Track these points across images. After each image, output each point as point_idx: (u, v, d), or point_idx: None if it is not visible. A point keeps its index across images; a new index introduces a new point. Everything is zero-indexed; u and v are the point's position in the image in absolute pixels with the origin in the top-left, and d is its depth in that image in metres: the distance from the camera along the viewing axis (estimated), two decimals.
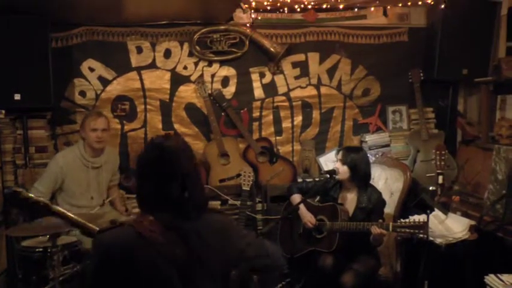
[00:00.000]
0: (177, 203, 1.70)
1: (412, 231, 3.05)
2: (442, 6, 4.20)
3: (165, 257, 1.63)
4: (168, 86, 4.36)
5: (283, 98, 4.55)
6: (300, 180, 4.25)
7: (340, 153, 3.53)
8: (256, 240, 1.90)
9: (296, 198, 3.70)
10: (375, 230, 3.17)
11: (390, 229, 3.15)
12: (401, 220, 3.22)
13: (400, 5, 4.51)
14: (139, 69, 4.30)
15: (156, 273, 1.62)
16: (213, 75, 4.40)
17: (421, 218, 3.11)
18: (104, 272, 1.63)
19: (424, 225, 3.02)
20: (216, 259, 1.72)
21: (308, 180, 4.11)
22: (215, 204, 4.24)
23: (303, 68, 4.53)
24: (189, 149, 1.81)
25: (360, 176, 3.50)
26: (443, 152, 3.84)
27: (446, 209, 3.55)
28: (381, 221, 3.29)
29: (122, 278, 1.61)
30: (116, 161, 3.94)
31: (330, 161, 4.41)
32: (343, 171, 3.48)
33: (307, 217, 3.53)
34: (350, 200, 3.53)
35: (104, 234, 1.69)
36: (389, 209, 3.84)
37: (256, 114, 4.52)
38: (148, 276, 1.61)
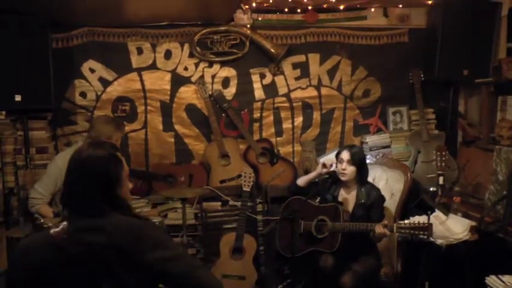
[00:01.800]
0: (91, 207, 1.71)
1: (416, 232, 3.05)
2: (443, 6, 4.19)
3: (66, 255, 1.64)
4: (168, 87, 4.36)
5: (284, 99, 4.55)
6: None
7: (346, 153, 3.49)
8: (185, 257, 1.78)
9: (302, 177, 3.81)
10: (379, 229, 3.18)
11: (394, 230, 3.15)
12: (405, 221, 3.21)
13: (400, 5, 4.52)
14: (139, 70, 4.30)
15: (58, 272, 1.64)
16: (213, 76, 4.40)
17: (424, 219, 3.11)
18: (16, 275, 1.69)
19: (429, 227, 3.02)
20: (121, 261, 1.65)
21: None
22: (215, 205, 4.24)
23: (304, 69, 4.53)
24: (111, 156, 1.80)
25: (365, 173, 3.52)
26: (443, 153, 3.85)
27: (447, 209, 3.55)
28: (386, 222, 3.29)
29: (32, 280, 1.66)
30: None
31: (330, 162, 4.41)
32: (351, 171, 3.47)
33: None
34: (350, 197, 3.54)
35: (22, 241, 1.76)
36: (390, 209, 3.84)
37: (256, 115, 4.52)
38: (53, 275, 1.65)
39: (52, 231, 1.66)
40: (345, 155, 3.49)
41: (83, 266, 1.64)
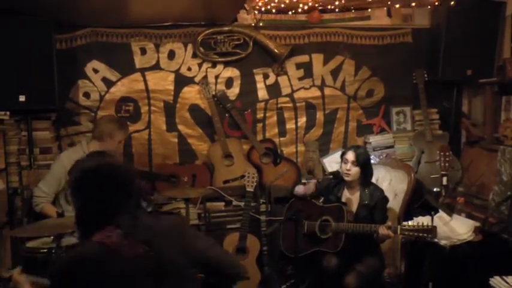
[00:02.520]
0: (128, 211, 1.74)
1: (420, 234, 3.04)
2: (452, 2, 4.16)
3: (131, 262, 1.64)
4: (172, 87, 4.36)
5: (287, 99, 4.54)
6: (304, 181, 4.26)
7: (351, 154, 3.47)
8: (215, 244, 1.96)
9: (300, 186, 3.79)
10: (383, 230, 3.17)
11: (398, 232, 3.14)
12: (409, 223, 3.20)
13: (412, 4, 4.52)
14: (143, 71, 4.30)
15: (127, 280, 1.63)
16: (217, 77, 4.40)
17: (428, 220, 3.10)
18: None
19: (433, 229, 3.01)
20: (179, 258, 1.75)
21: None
22: (219, 205, 4.25)
23: (307, 69, 4.53)
24: (125, 164, 1.92)
25: (369, 174, 3.52)
26: (447, 153, 3.84)
27: (450, 210, 3.55)
28: (389, 223, 3.29)
29: None
30: None
31: (334, 162, 4.41)
32: (356, 172, 3.46)
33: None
34: (353, 198, 3.53)
35: (65, 258, 1.68)
36: (393, 210, 3.84)
37: (260, 115, 4.52)
38: (121, 285, 1.63)
39: (101, 240, 1.64)
40: (350, 155, 3.48)
41: (148, 266, 1.66)
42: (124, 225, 1.69)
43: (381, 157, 4.46)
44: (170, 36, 4.30)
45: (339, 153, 3.77)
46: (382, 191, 3.53)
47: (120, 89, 4.27)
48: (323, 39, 4.51)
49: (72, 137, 4.19)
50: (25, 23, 3.66)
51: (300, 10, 4.35)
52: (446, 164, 3.81)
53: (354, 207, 3.51)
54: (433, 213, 3.14)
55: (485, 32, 4.28)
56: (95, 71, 4.21)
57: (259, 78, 4.47)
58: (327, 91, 4.59)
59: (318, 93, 4.58)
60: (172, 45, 4.31)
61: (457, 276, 3.29)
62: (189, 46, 4.33)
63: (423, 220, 3.19)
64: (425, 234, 3.03)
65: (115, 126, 3.63)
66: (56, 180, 3.59)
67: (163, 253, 1.70)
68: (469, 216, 3.64)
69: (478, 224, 3.37)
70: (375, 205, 3.44)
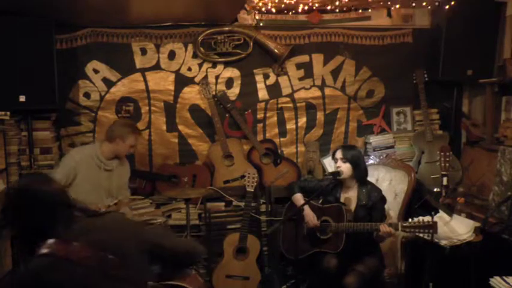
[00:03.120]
0: (63, 220, 1.77)
1: (421, 230, 3.05)
2: (447, 7, 4.18)
3: (86, 266, 1.59)
4: (172, 87, 4.36)
5: (288, 99, 4.54)
6: (302, 179, 4.26)
7: (339, 152, 3.55)
8: (167, 232, 2.01)
9: (298, 198, 3.71)
10: (384, 228, 3.18)
11: (399, 229, 3.15)
12: (410, 220, 3.21)
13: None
14: (143, 71, 4.30)
15: (86, 285, 1.61)
16: (217, 77, 4.40)
17: (428, 219, 3.11)
18: None
19: (433, 225, 3.03)
20: (133, 250, 1.73)
21: (310, 179, 4.13)
22: (219, 205, 4.25)
23: (307, 70, 4.53)
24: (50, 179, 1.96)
25: (361, 171, 3.53)
26: (447, 153, 3.84)
27: (450, 210, 3.55)
28: (390, 221, 3.29)
29: None
30: (127, 171, 3.89)
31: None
32: (346, 168, 3.50)
33: (310, 217, 3.54)
34: (351, 198, 3.54)
35: (15, 281, 1.61)
36: (393, 210, 3.83)
37: (260, 115, 4.52)
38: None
39: (47, 252, 1.58)
40: (338, 153, 3.57)
41: (104, 265, 1.63)
42: (63, 233, 1.66)
43: (381, 157, 4.46)
44: (170, 37, 4.30)
45: (331, 155, 3.79)
46: (380, 191, 3.54)
47: (121, 89, 4.27)
48: (323, 39, 4.51)
49: (73, 137, 4.19)
50: (25, 23, 3.66)
51: (300, 10, 4.35)
52: (447, 164, 3.81)
53: (352, 208, 3.51)
54: (433, 213, 3.15)
55: (485, 32, 4.28)
56: (95, 71, 4.21)
57: (259, 78, 4.47)
58: (327, 91, 4.59)
59: (318, 93, 4.58)
60: (172, 45, 4.31)
61: (457, 277, 3.29)
62: (190, 46, 4.33)
63: (427, 219, 3.18)
64: (426, 230, 3.04)
65: (128, 130, 3.66)
66: (65, 173, 3.52)
67: (117, 249, 1.66)
68: (469, 216, 3.63)
69: (478, 224, 3.36)
70: (373, 205, 3.46)
